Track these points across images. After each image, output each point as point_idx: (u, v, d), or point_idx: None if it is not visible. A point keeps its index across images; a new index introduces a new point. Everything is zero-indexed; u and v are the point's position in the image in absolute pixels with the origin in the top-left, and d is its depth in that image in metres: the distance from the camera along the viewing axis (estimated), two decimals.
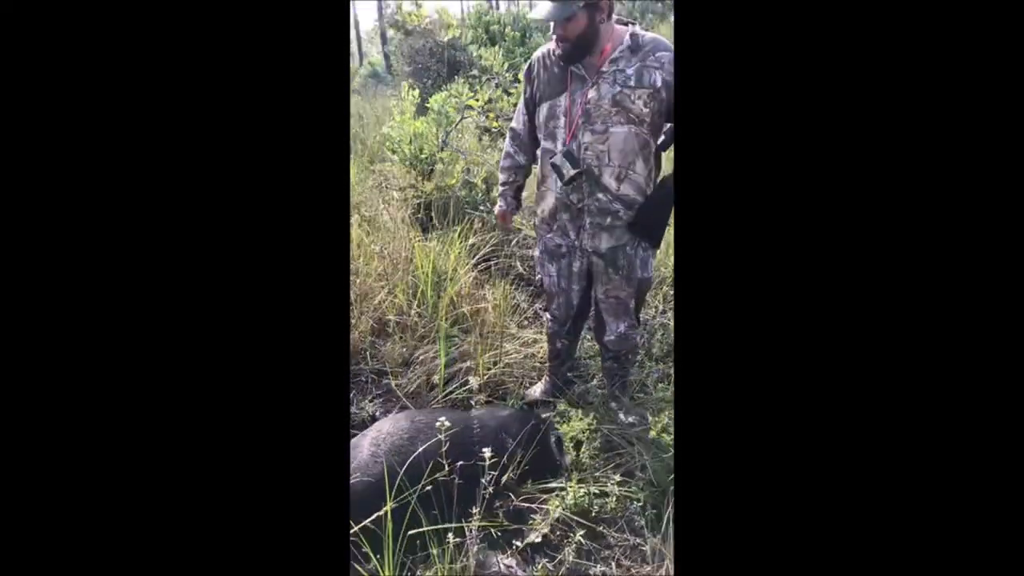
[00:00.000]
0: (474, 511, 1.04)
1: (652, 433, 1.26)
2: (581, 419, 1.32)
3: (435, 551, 1.03)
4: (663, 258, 2.26)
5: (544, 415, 1.37)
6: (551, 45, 1.30)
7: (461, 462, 1.09)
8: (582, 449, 1.40)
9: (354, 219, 2.29)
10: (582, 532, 1.19)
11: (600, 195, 1.32)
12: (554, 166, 1.30)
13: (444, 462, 1.09)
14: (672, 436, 1.25)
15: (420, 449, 1.15)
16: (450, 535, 1.02)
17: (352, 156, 3.27)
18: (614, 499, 1.28)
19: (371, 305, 1.91)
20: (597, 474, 1.34)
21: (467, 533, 1.04)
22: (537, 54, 1.37)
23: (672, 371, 1.68)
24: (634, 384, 1.72)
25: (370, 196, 2.69)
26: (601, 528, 1.24)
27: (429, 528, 1.04)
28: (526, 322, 2.05)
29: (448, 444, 1.10)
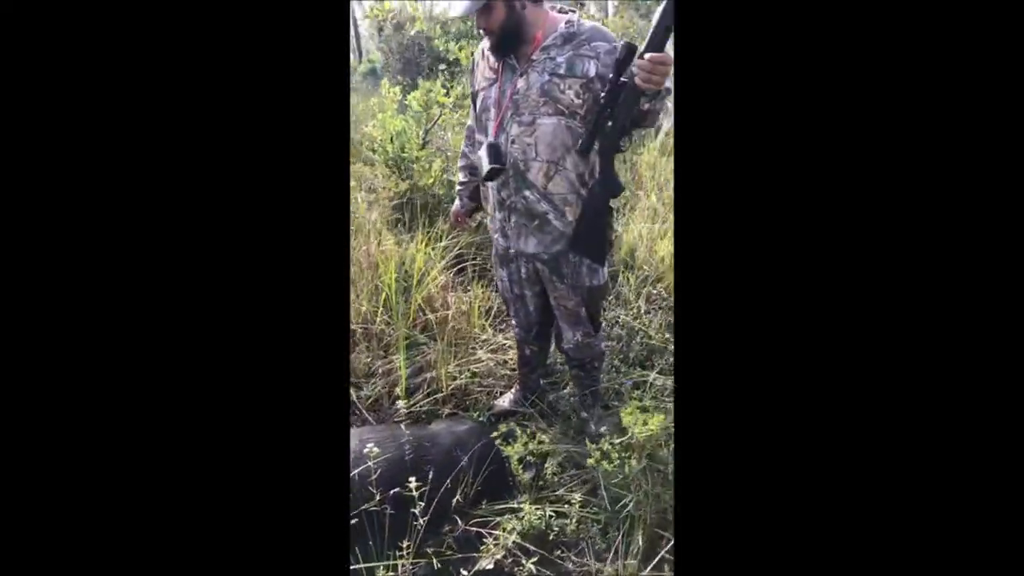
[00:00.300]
0: (404, 544, 0.96)
1: (605, 451, 1.16)
2: (526, 442, 1.23)
3: None
4: (646, 255, 2.15)
5: (493, 434, 1.28)
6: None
7: (394, 490, 1.01)
8: (545, 466, 1.31)
9: None
10: (534, 559, 1.10)
11: (527, 192, 1.22)
12: (478, 158, 1.21)
13: (374, 491, 1.01)
14: (628, 454, 1.15)
15: (354, 473, 1.08)
16: (379, 571, 0.94)
17: None
18: (574, 521, 1.19)
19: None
20: (558, 492, 1.25)
21: (399, 568, 0.96)
22: (480, 45, 1.29)
23: (649, 378, 1.58)
24: (608, 392, 1.62)
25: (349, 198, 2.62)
26: (559, 553, 1.16)
27: (354, 567, 0.96)
28: (504, 326, 1.96)
29: (378, 472, 1.02)
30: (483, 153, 1.18)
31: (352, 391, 1.64)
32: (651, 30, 0.96)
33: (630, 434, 1.09)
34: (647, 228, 2.28)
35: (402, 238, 2.18)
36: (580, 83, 1.13)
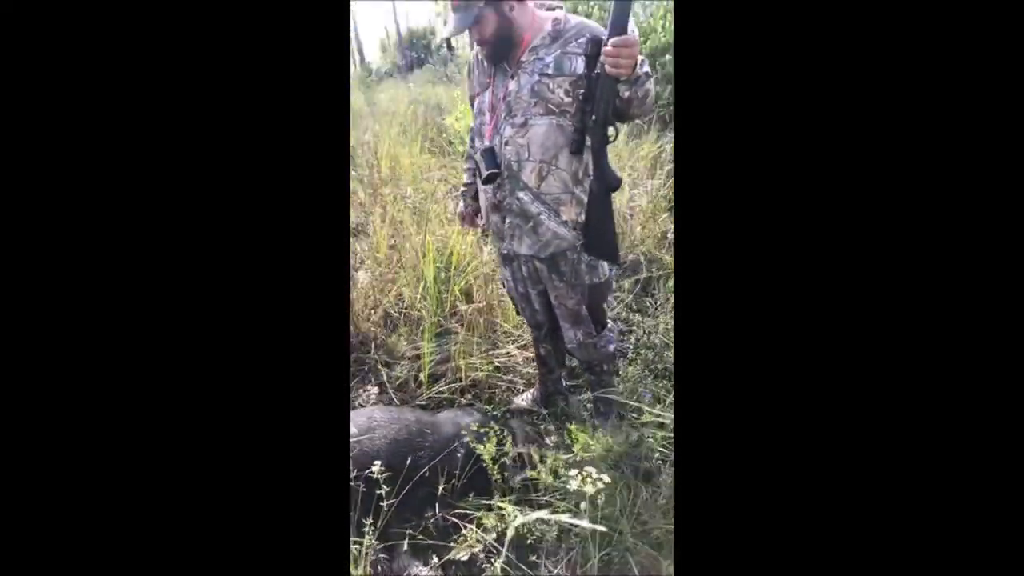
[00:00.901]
0: (367, 522, 1.02)
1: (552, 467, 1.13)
2: (497, 443, 1.23)
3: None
4: (661, 253, 2.01)
5: (463, 432, 1.30)
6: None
7: (368, 470, 1.08)
8: (537, 471, 1.31)
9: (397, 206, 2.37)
10: (502, 560, 1.12)
11: (520, 194, 1.21)
12: (475, 163, 1.23)
13: (351, 468, 1.09)
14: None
15: (356, 451, 1.18)
16: (352, 544, 1.02)
17: (416, 145, 3.37)
18: (556, 530, 1.18)
19: (388, 296, 1.97)
20: (546, 498, 1.24)
21: (364, 544, 1.03)
22: (474, 50, 1.29)
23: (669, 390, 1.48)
24: (626, 399, 1.55)
25: (418, 188, 2.76)
26: (533, 558, 1.16)
27: None
28: None
29: (380, 446, 1.12)
30: (479, 158, 1.20)
31: (384, 371, 1.76)
32: (610, 16, 0.94)
33: (575, 452, 1.05)
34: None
35: (457, 228, 2.25)
36: (569, 81, 1.11)
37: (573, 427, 1.15)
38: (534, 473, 1.26)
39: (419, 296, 1.88)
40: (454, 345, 1.70)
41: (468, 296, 1.90)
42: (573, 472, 0.96)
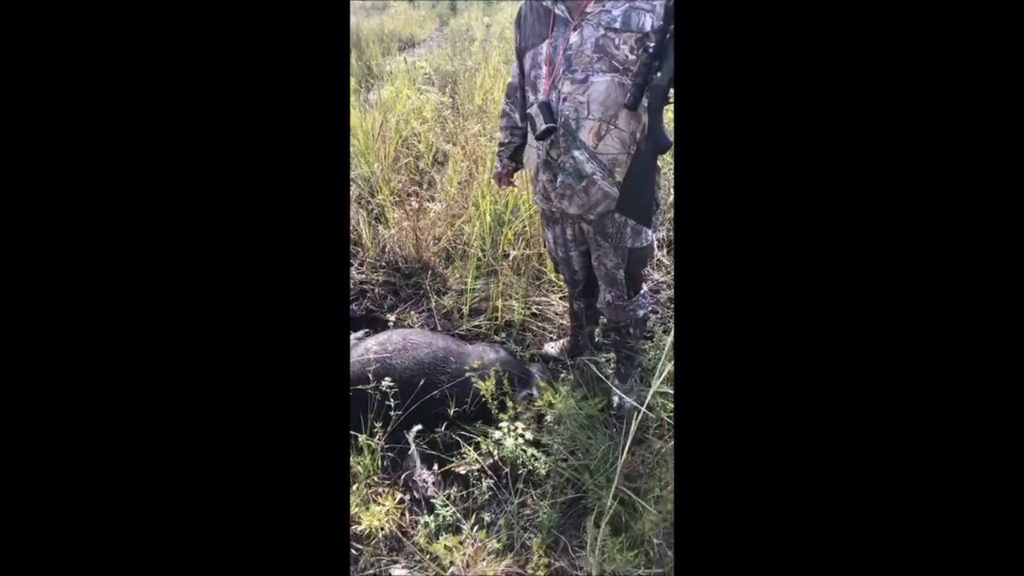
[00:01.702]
0: (377, 424, 1.21)
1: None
2: (497, 382, 1.33)
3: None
4: None
5: (466, 368, 1.41)
6: None
7: (384, 383, 1.26)
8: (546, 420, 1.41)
9: (462, 150, 2.44)
10: (490, 481, 1.27)
11: (576, 153, 1.18)
12: (528, 117, 1.20)
13: (370, 376, 1.27)
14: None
15: (385, 364, 1.37)
16: (360, 438, 1.22)
17: None
18: (545, 465, 1.30)
19: (451, 229, 2.10)
20: (546, 440, 1.35)
21: (374, 440, 1.23)
22: None
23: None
24: (648, 363, 1.58)
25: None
26: (520, 487, 1.29)
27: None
28: None
29: (407, 364, 1.33)
30: (535, 112, 1.18)
31: (435, 298, 1.92)
32: None
33: (539, 405, 1.12)
34: None
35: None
36: (635, 38, 1.05)
37: (543, 382, 1.22)
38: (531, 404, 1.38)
39: (474, 234, 1.98)
40: (495, 285, 1.80)
41: (521, 239, 1.97)
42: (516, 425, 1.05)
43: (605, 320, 1.50)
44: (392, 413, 1.23)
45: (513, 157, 1.46)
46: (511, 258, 1.91)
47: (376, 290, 2.04)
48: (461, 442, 1.38)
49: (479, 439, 1.36)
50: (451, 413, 1.37)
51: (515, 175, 1.53)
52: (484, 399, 1.32)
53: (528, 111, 1.21)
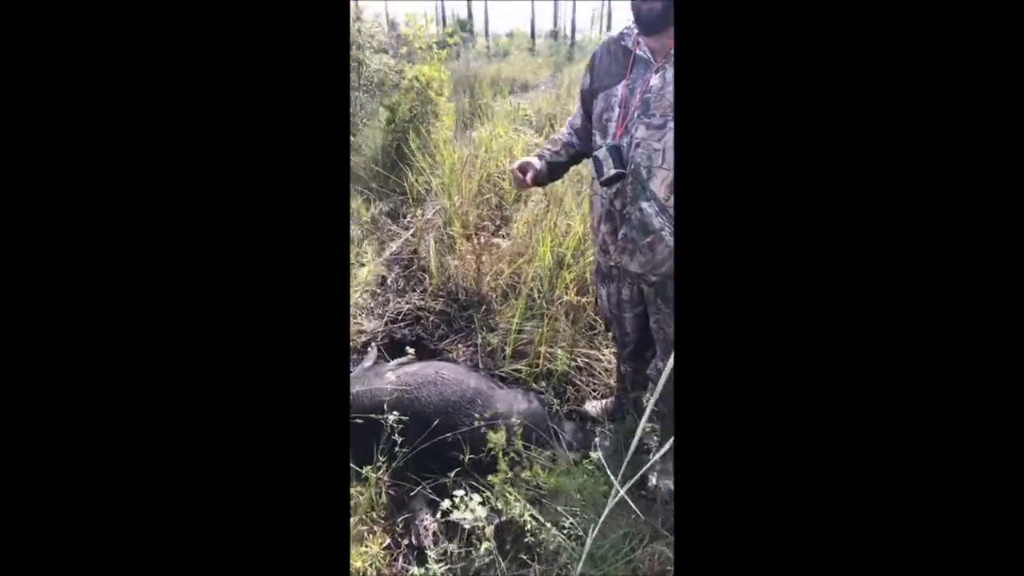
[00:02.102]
0: (381, 458, 1.17)
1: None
2: (508, 439, 1.21)
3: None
4: None
5: (475, 418, 1.32)
6: (616, 33, 1.12)
7: (393, 415, 1.22)
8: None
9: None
10: (490, 544, 1.15)
11: (644, 204, 1.07)
12: (595, 160, 1.09)
13: (386, 410, 1.24)
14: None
15: (410, 396, 1.34)
16: (364, 470, 1.19)
17: None
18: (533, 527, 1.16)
19: (512, 267, 2.07)
20: (546, 500, 1.22)
21: (376, 473, 1.18)
22: (603, 40, 1.17)
23: None
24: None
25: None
26: (509, 539, 1.17)
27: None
28: None
29: (432, 399, 1.30)
30: (604, 155, 1.08)
31: (482, 334, 1.88)
32: None
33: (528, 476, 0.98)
34: None
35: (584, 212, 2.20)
36: None
37: (535, 453, 1.10)
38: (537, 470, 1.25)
39: (531, 275, 1.92)
40: (541, 330, 1.72)
41: (575, 285, 1.87)
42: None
43: (653, 384, 1.35)
44: (398, 450, 1.18)
45: (553, 170, 1.29)
46: (562, 302, 1.82)
47: (431, 318, 2.05)
48: (468, 492, 1.29)
49: (487, 493, 1.26)
50: (465, 460, 1.29)
51: (537, 188, 1.42)
52: (494, 451, 1.22)
53: (595, 153, 1.10)
